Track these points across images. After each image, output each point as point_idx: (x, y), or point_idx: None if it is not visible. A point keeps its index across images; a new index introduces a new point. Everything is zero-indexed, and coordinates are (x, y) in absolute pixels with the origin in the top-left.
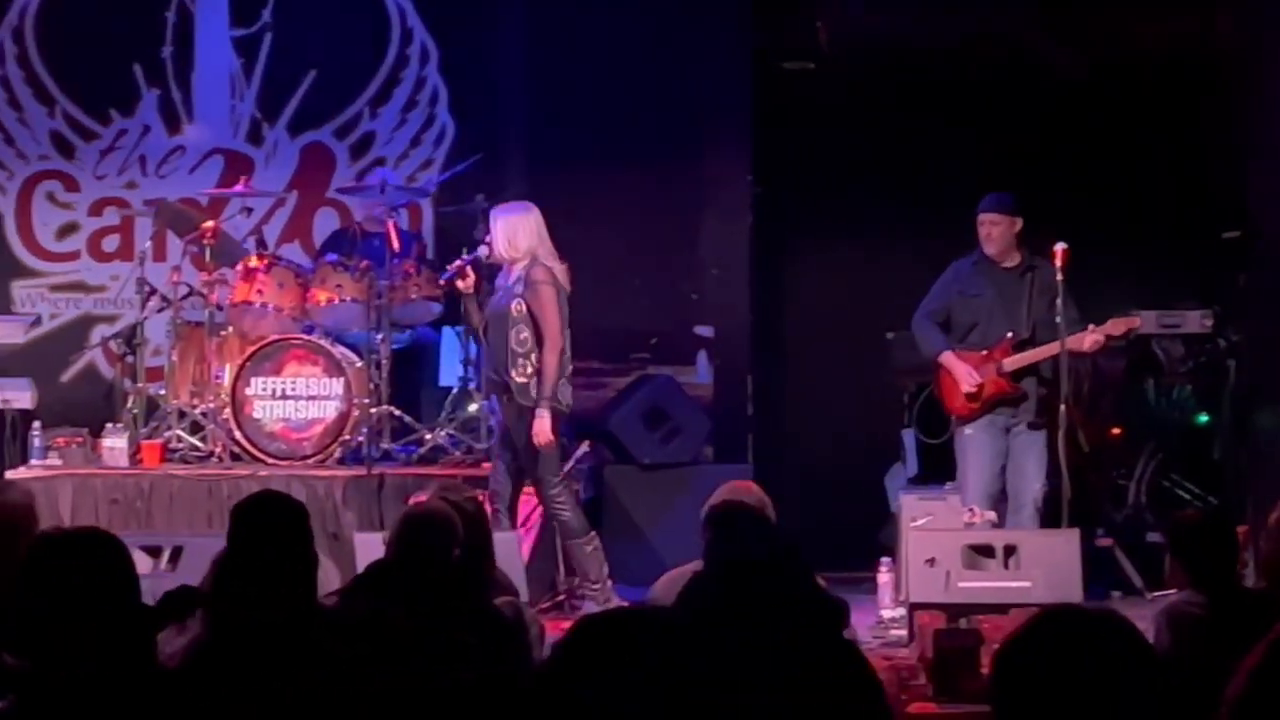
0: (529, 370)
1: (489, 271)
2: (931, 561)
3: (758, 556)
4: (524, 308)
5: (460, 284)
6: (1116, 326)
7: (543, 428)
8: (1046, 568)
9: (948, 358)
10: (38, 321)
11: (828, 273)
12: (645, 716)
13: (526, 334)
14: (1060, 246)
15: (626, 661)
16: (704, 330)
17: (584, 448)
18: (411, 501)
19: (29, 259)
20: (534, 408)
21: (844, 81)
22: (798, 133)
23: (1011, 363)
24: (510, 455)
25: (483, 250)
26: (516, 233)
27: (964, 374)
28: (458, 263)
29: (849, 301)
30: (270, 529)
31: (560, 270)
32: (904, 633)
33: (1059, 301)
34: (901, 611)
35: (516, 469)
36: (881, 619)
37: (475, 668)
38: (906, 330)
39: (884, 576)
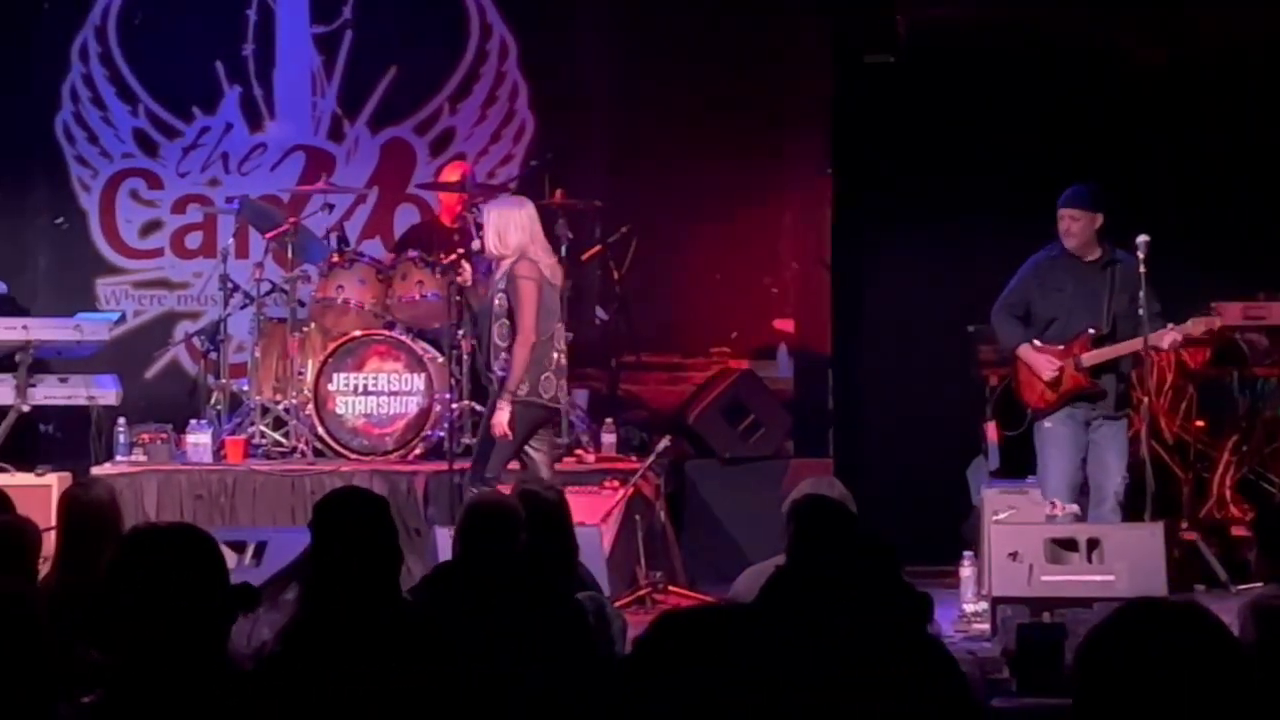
0: (509, 364)
1: (486, 267)
2: (1014, 555)
3: (842, 551)
4: (505, 303)
5: (458, 278)
6: (1196, 326)
7: (500, 420)
8: (1130, 561)
9: (1025, 350)
10: (122, 319)
11: (908, 265)
12: (728, 713)
13: (507, 328)
14: (1143, 239)
15: (709, 657)
16: (785, 324)
17: (665, 442)
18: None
19: (113, 256)
20: (514, 401)
21: (924, 73)
22: (877, 125)
23: (1090, 358)
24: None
25: (475, 245)
26: (507, 228)
27: (1043, 363)
28: (449, 258)
29: (930, 294)
30: (353, 524)
31: (549, 265)
32: (986, 627)
33: (1142, 295)
34: (984, 605)
35: (543, 456)
36: (964, 613)
37: (546, 662)
38: (987, 323)
39: (966, 570)
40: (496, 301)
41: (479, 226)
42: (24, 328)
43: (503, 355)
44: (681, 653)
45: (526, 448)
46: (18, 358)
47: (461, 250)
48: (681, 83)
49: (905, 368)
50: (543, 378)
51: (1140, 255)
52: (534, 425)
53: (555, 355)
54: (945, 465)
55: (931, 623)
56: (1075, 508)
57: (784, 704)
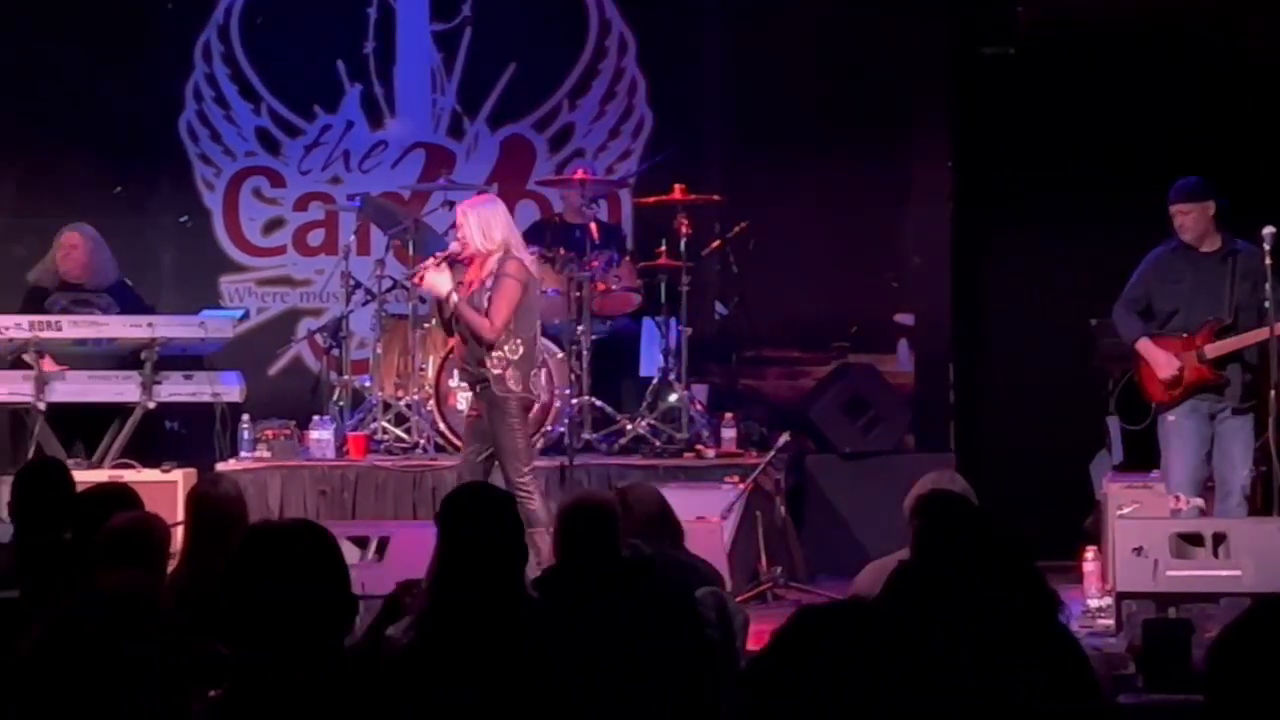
0: (502, 362)
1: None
2: (1139, 550)
3: (968, 546)
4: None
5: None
6: None
7: (438, 284)
8: (1257, 556)
9: (1144, 345)
10: (246, 316)
11: (1030, 258)
12: (861, 708)
13: None
14: (1269, 230)
15: (846, 652)
16: (905, 318)
17: (785, 437)
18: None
19: (236, 254)
20: (509, 397)
21: (1044, 65)
22: (998, 118)
23: (1214, 349)
24: (479, 445)
25: (454, 246)
26: (491, 225)
27: (1162, 360)
28: (430, 260)
29: (1051, 287)
30: (481, 520)
31: (530, 261)
32: (1111, 622)
33: (1268, 286)
34: (1108, 600)
35: (486, 459)
36: (1088, 608)
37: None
38: (1109, 316)
39: (1090, 565)
40: (486, 299)
41: (598, 223)
42: (149, 325)
43: (494, 354)
44: (819, 647)
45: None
46: (144, 355)
47: (440, 255)
48: (800, 76)
49: (1027, 361)
50: (532, 374)
51: (1266, 247)
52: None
53: (540, 354)
54: (1067, 459)
55: (1061, 617)
56: (1200, 502)
57: (916, 700)
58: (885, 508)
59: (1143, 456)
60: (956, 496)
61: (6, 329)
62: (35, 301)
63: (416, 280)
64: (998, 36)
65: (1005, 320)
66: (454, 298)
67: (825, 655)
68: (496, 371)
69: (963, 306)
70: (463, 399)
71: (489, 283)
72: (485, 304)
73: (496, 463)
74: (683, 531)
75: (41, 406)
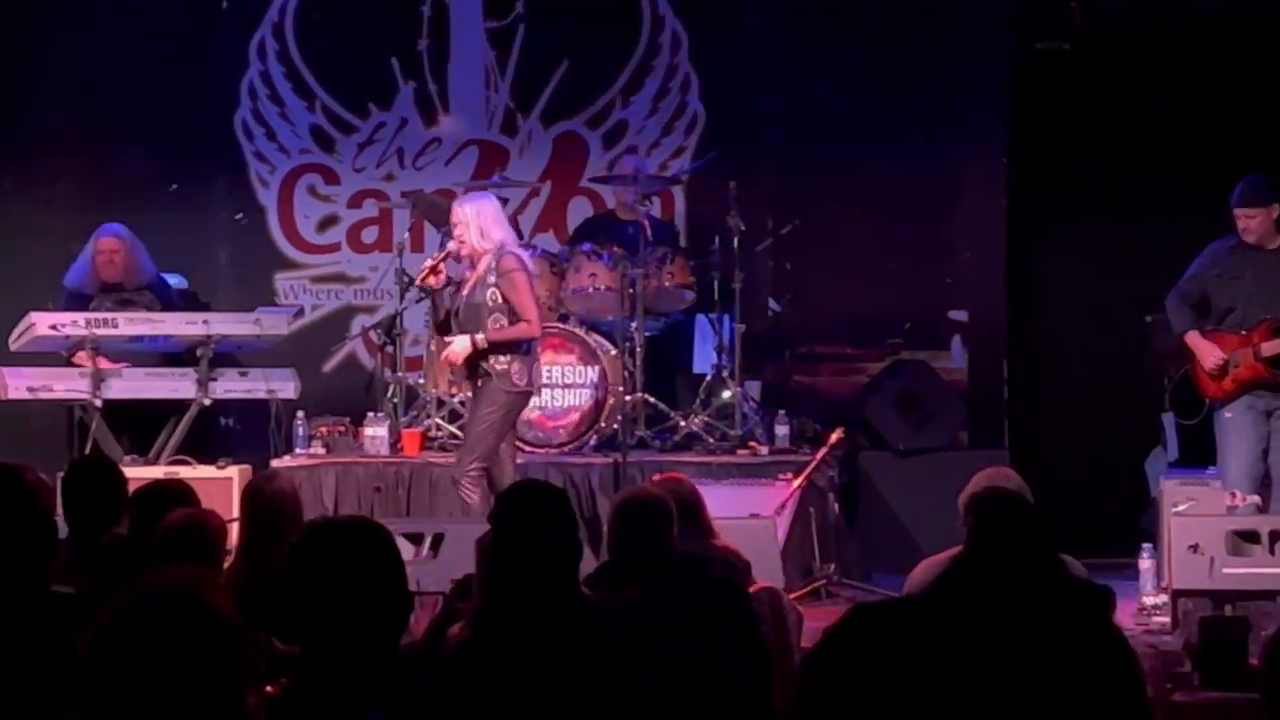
0: (508, 357)
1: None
2: (1195, 547)
3: (1024, 543)
4: (499, 296)
5: (432, 280)
6: None
7: (460, 349)
8: None
9: (1192, 337)
10: (300, 313)
11: (1085, 255)
12: (915, 706)
13: (504, 322)
14: None
15: (901, 649)
16: (958, 314)
17: (838, 434)
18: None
19: (291, 251)
20: (511, 392)
21: (1099, 60)
22: (1052, 113)
23: (1270, 347)
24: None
25: (453, 245)
26: (489, 224)
27: (1206, 351)
28: (430, 261)
29: (1106, 284)
30: (535, 517)
31: (526, 257)
32: (1167, 619)
33: None
34: (1164, 598)
35: (507, 447)
36: (1144, 606)
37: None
38: (1164, 312)
39: (1145, 563)
40: (489, 296)
41: (651, 219)
42: (205, 322)
43: (497, 350)
44: (874, 645)
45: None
46: (199, 352)
47: (440, 255)
48: (854, 71)
49: (1081, 357)
50: (534, 368)
51: None
52: (519, 413)
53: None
54: (1123, 456)
55: (1114, 615)
56: (1256, 499)
57: (970, 697)
58: (939, 504)
59: (1199, 454)
60: (1012, 494)
61: (63, 326)
62: (78, 307)
63: (422, 281)
64: (1052, 31)
65: (1060, 316)
66: (479, 339)
67: (880, 653)
68: (501, 367)
69: (1017, 303)
70: None
71: (490, 279)
72: (486, 300)
73: (511, 450)
74: (711, 524)
75: (98, 404)
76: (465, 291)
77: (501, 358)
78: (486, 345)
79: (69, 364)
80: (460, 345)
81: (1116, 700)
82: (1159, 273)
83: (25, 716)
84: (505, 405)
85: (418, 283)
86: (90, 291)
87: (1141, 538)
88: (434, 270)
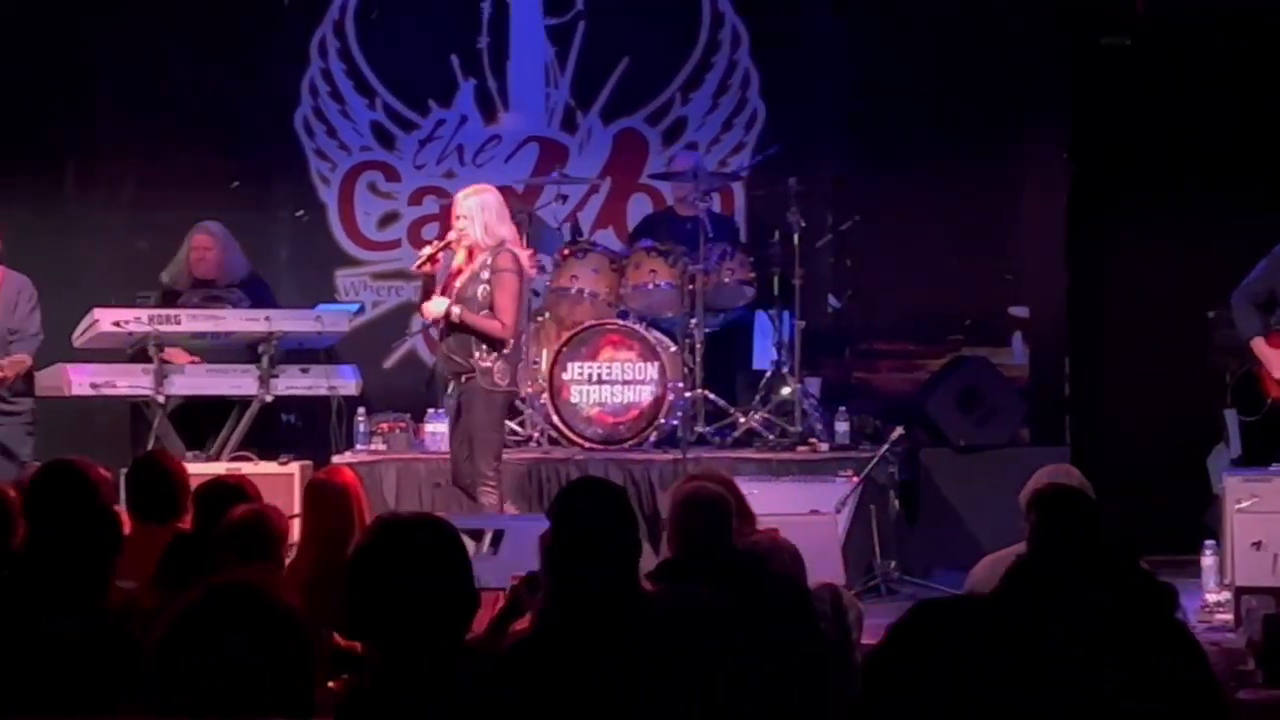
0: (492, 354)
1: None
2: (1258, 544)
3: (1086, 541)
4: (490, 294)
5: (428, 267)
6: None
7: (437, 309)
8: None
9: (1258, 344)
10: (361, 310)
11: (1147, 250)
12: (979, 704)
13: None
14: None
15: (964, 647)
16: (1019, 311)
17: (898, 431)
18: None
19: (352, 248)
20: (494, 391)
21: (1162, 54)
22: (1114, 108)
23: None
24: (467, 445)
25: (452, 234)
26: (493, 219)
27: (1275, 360)
28: (429, 250)
29: (1169, 279)
30: (595, 514)
31: (525, 257)
32: (1229, 617)
33: None
34: (1227, 595)
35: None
36: (1206, 603)
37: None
38: (1228, 308)
39: (1208, 560)
40: (480, 293)
41: (711, 216)
42: (266, 319)
43: (482, 347)
44: (937, 642)
45: None
46: (260, 349)
47: (439, 244)
48: (914, 67)
49: (1143, 353)
50: (519, 367)
51: None
52: (505, 412)
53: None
54: (1185, 453)
55: (1178, 613)
56: None
57: (1035, 695)
58: (999, 501)
59: (1262, 450)
60: (1074, 491)
61: (126, 323)
62: (170, 303)
63: (418, 268)
64: (1114, 26)
65: (1121, 312)
66: (454, 311)
67: (943, 650)
68: (486, 364)
69: (1078, 299)
70: (576, 391)
71: (484, 275)
72: (478, 296)
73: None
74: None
75: (161, 399)
76: (458, 283)
77: (486, 356)
78: (459, 320)
79: (132, 360)
80: (438, 306)
81: (1189, 700)
82: (1221, 268)
83: (91, 712)
84: (495, 404)
85: (413, 269)
86: (181, 287)
87: (1204, 534)
88: (431, 259)
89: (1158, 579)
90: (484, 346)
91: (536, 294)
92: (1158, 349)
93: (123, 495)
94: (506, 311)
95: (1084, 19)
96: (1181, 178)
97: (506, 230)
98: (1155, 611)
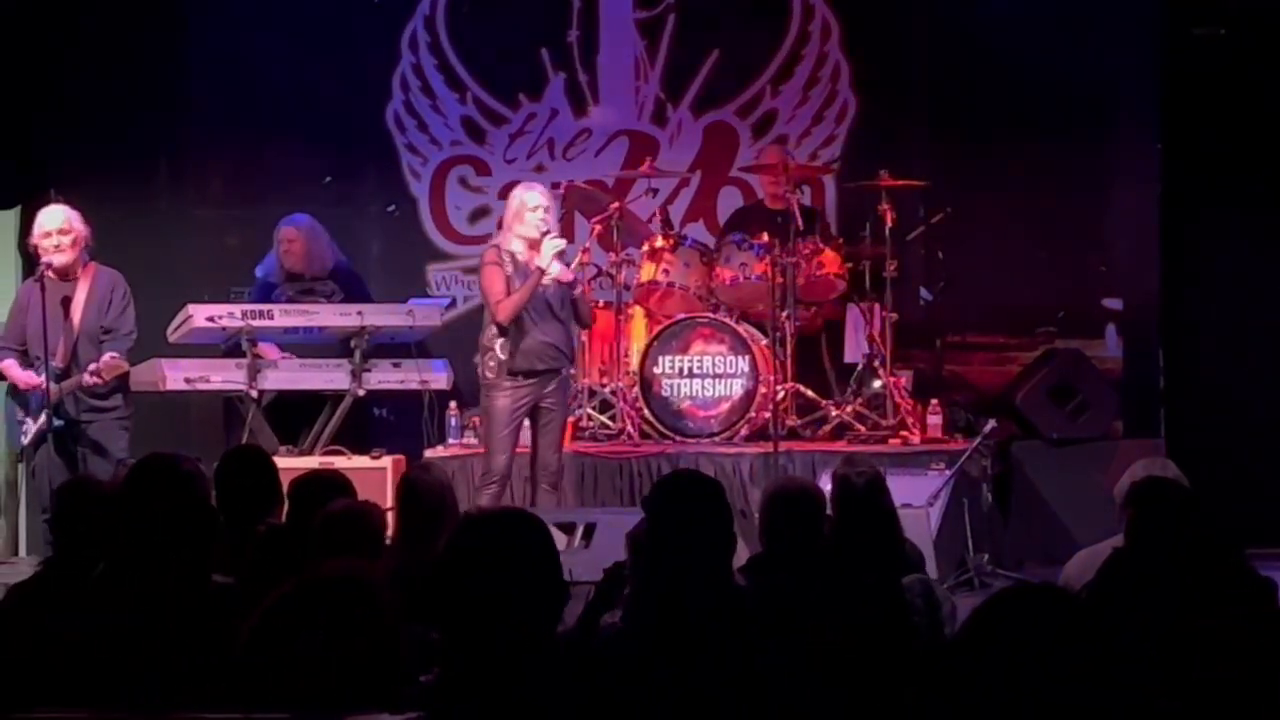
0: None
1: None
2: None
3: (1184, 534)
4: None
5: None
6: None
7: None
8: None
9: None
10: (453, 304)
11: (1240, 242)
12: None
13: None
14: None
15: (1043, 637)
16: (1112, 303)
17: (991, 423)
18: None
19: (443, 243)
20: (483, 383)
21: (1255, 44)
22: (1207, 99)
23: None
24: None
25: (550, 228)
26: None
27: None
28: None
29: (1264, 270)
30: (691, 508)
31: (521, 251)
32: None
33: None
34: None
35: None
36: None
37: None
38: None
39: None
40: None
41: (802, 208)
42: (359, 314)
43: (483, 345)
44: (1017, 631)
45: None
46: (353, 343)
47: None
48: (1004, 59)
49: (1238, 345)
50: (507, 357)
51: None
52: (508, 399)
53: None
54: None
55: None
56: None
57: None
58: (1093, 494)
59: None
60: (1171, 484)
61: (220, 318)
62: (264, 296)
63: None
64: (1208, 16)
65: (1215, 304)
66: (558, 272)
67: (1020, 638)
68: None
69: (1172, 290)
70: (667, 385)
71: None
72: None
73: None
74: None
75: (254, 394)
76: (549, 280)
77: (482, 339)
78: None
79: (225, 356)
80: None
81: None
82: None
83: (188, 705)
84: (485, 392)
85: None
86: (275, 281)
87: None
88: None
89: (1257, 572)
90: (482, 346)
91: (627, 288)
92: (1253, 340)
93: (214, 490)
94: (486, 300)
95: (1177, 9)
96: (1274, 167)
97: (508, 222)
98: (1254, 605)
